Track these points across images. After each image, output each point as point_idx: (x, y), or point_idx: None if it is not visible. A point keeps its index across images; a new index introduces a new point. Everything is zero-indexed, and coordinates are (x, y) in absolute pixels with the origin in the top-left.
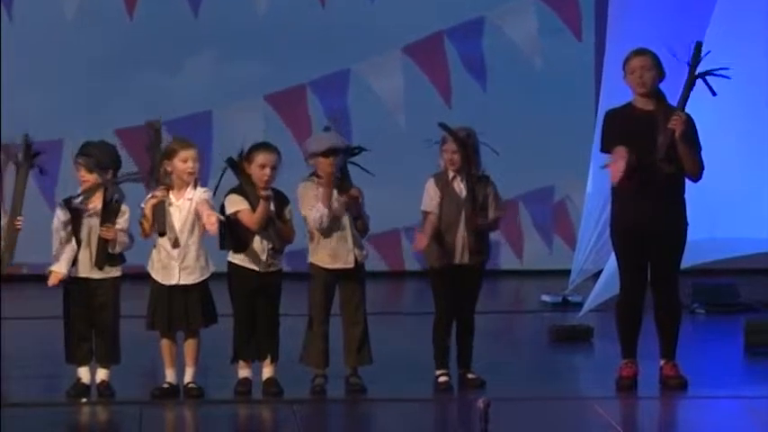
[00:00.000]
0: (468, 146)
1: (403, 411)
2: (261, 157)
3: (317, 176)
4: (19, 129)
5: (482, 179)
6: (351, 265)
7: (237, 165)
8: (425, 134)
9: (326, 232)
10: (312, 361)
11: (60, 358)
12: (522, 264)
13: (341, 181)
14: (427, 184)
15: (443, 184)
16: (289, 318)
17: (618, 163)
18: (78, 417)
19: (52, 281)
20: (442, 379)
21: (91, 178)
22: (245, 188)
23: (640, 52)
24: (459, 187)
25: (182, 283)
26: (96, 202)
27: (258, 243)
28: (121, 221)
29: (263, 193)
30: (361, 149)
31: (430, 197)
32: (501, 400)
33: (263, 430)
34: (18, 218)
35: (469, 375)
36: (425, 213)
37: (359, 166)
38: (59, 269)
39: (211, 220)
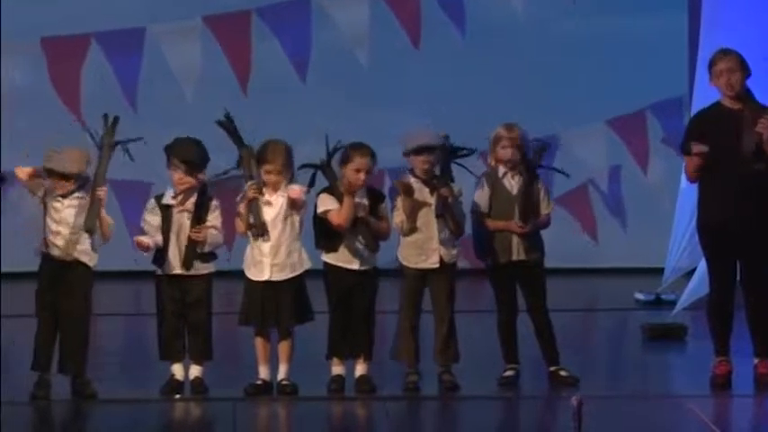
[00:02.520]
0: (523, 145)
1: (495, 409)
2: (357, 161)
3: (413, 174)
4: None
5: (533, 176)
6: (436, 265)
7: (327, 167)
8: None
9: (411, 231)
10: (403, 358)
11: (153, 355)
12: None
13: (434, 179)
14: (479, 183)
15: (493, 182)
16: (383, 315)
17: (693, 160)
18: (172, 413)
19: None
20: (506, 373)
21: (189, 180)
22: (336, 189)
23: (725, 53)
24: (510, 184)
25: (273, 279)
26: (188, 203)
27: (352, 241)
28: (212, 218)
29: (348, 192)
30: (471, 151)
31: (481, 195)
32: (594, 399)
33: (355, 428)
34: (100, 188)
35: (562, 373)
36: (476, 210)
37: (464, 167)
38: (147, 239)
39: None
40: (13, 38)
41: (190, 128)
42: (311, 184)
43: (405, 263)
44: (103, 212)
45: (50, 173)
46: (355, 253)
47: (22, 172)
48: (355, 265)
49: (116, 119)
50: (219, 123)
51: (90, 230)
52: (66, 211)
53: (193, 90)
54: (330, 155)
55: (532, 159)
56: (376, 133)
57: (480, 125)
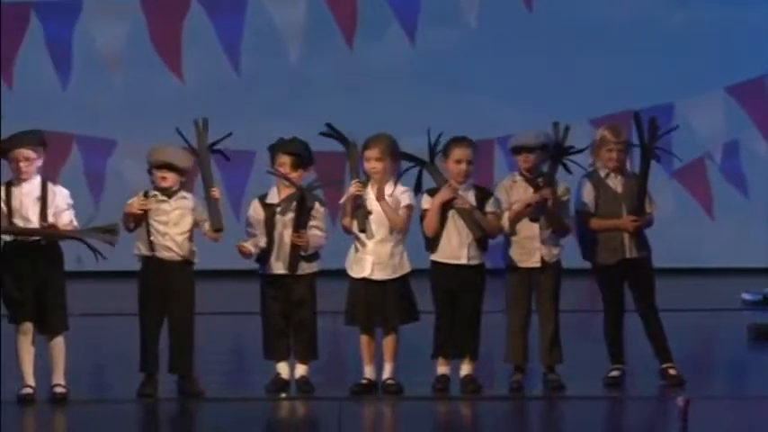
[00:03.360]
0: (628, 145)
1: (601, 409)
2: (457, 152)
3: (520, 172)
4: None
5: (633, 176)
6: (537, 264)
7: (430, 164)
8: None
9: (513, 230)
10: (513, 358)
11: (258, 354)
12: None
13: (538, 178)
14: (582, 183)
15: (597, 182)
16: (487, 314)
17: None
18: (277, 412)
19: (243, 252)
20: (611, 373)
21: (295, 175)
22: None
23: None
24: (615, 183)
25: (374, 277)
26: (291, 205)
27: (455, 237)
28: (316, 221)
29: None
30: (577, 150)
31: (586, 196)
32: (700, 399)
33: (460, 427)
34: (213, 188)
35: (671, 371)
36: (581, 211)
37: (564, 166)
38: (249, 245)
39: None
40: None
41: (292, 89)
42: (417, 187)
43: (510, 262)
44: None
45: (159, 167)
46: (458, 249)
47: (133, 207)
48: (457, 261)
49: (205, 121)
50: (323, 134)
51: (220, 229)
52: (175, 213)
53: (298, 50)
54: (432, 150)
55: (647, 146)
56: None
57: (596, 97)
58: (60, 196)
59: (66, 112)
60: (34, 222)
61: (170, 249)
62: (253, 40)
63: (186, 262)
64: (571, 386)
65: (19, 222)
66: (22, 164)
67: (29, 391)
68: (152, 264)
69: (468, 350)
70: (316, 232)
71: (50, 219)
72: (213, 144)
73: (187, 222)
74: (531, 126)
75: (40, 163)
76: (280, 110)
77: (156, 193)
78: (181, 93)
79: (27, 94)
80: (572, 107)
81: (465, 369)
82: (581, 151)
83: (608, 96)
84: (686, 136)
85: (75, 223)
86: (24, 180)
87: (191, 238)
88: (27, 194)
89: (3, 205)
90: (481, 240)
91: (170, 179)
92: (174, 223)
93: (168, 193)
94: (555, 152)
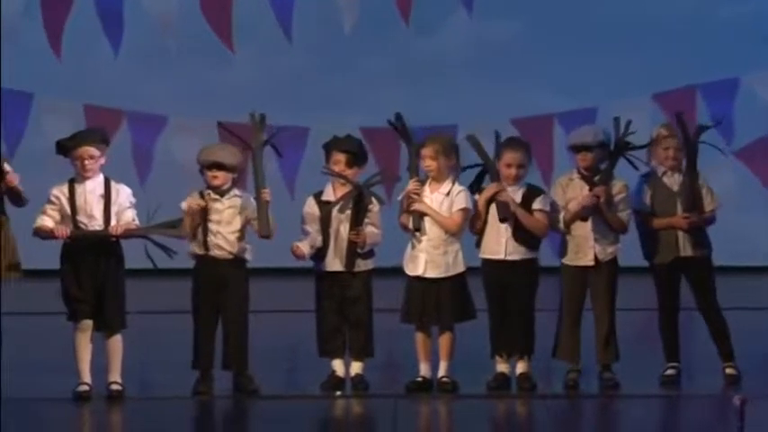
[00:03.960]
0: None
1: (656, 408)
2: (507, 156)
3: (578, 170)
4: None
5: (694, 173)
6: (591, 263)
7: (493, 167)
8: None
9: (569, 229)
10: (565, 356)
11: (313, 351)
12: None
13: (595, 176)
14: (640, 182)
15: (654, 180)
16: (545, 312)
17: None
18: (333, 410)
19: (298, 254)
20: (667, 372)
21: (350, 172)
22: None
23: None
24: (671, 182)
25: (427, 275)
26: (347, 202)
27: (495, 233)
28: (372, 218)
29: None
30: (637, 146)
31: (643, 195)
32: (758, 398)
33: (515, 425)
34: (264, 190)
35: (727, 370)
36: (640, 212)
37: (630, 162)
38: (303, 246)
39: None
40: None
41: (346, 61)
42: (475, 186)
43: (564, 260)
44: (270, 214)
45: (210, 167)
46: (497, 244)
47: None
48: (497, 257)
49: (263, 117)
50: (390, 123)
51: (267, 236)
52: (227, 212)
53: (351, 23)
54: (496, 152)
55: (692, 142)
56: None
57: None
58: (123, 194)
59: (116, 85)
60: (98, 219)
61: (222, 248)
62: (308, 15)
63: (239, 260)
64: (626, 384)
65: (83, 220)
66: (86, 162)
67: (85, 388)
68: (206, 262)
69: (522, 348)
70: (372, 229)
71: (113, 217)
72: (267, 141)
73: (239, 221)
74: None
75: (103, 161)
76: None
77: (210, 191)
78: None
79: (75, 65)
80: (635, 82)
81: (520, 367)
82: (641, 147)
83: (671, 72)
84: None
85: (137, 221)
86: (88, 178)
87: (243, 237)
88: (91, 192)
89: (67, 203)
90: (524, 236)
91: (221, 178)
92: (227, 222)
93: (221, 192)
94: (615, 149)
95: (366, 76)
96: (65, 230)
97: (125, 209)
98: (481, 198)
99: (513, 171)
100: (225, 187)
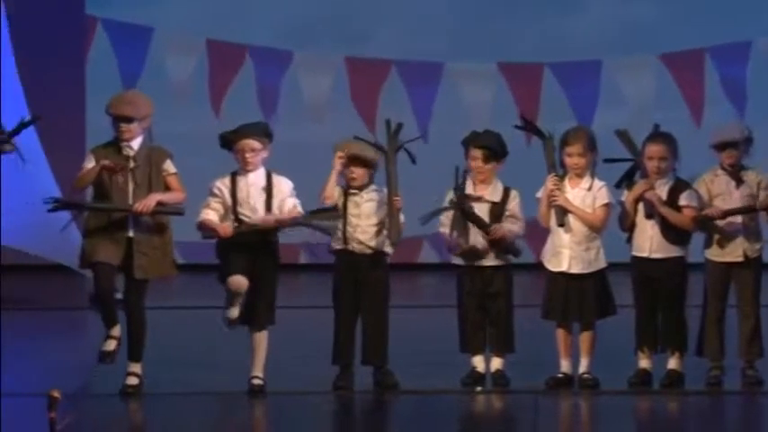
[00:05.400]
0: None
1: None
2: (650, 149)
3: (721, 167)
4: None
5: (750, 172)
6: (740, 259)
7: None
8: None
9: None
10: (708, 352)
11: (453, 346)
12: None
13: (740, 171)
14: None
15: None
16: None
17: None
18: (473, 405)
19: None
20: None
21: (488, 167)
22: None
23: None
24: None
25: (571, 271)
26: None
27: (641, 230)
28: (512, 212)
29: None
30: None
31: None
32: None
33: (659, 422)
34: (396, 198)
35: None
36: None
37: None
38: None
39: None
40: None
41: None
42: (624, 181)
43: (709, 257)
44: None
45: (351, 160)
46: (642, 241)
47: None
48: (643, 254)
49: (399, 125)
50: (517, 127)
51: (395, 244)
52: (366, 205)
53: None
54: (635, 148)
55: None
56: None
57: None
58: (285, 186)
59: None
60: (260, 212)
61: (361, 242)
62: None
63: (379, 254)
64: None
65: (245, 212)
66: (248, 155)
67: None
68: (345, 256)
69: (672, 344)
70: (512, 226)
71: (275, 210)
72: (401, 146)
73: (378, 215)
74: None
75: (265, 154)
76: None
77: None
78: None
79: None
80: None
81: (671, 363)
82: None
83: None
84: None
85: (300, 209)
86: (250, 171)
87: (382, 231)
88: (253, 185)
89: (229, 196)
90: (673, 234)
91: (359, 172)
92: (366, 216)
93: (359, 186)
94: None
95: None
96: (228, 229)
97: (286, 197)
98: (629, 197)
99: (654, 164)
100: (364, 182)
